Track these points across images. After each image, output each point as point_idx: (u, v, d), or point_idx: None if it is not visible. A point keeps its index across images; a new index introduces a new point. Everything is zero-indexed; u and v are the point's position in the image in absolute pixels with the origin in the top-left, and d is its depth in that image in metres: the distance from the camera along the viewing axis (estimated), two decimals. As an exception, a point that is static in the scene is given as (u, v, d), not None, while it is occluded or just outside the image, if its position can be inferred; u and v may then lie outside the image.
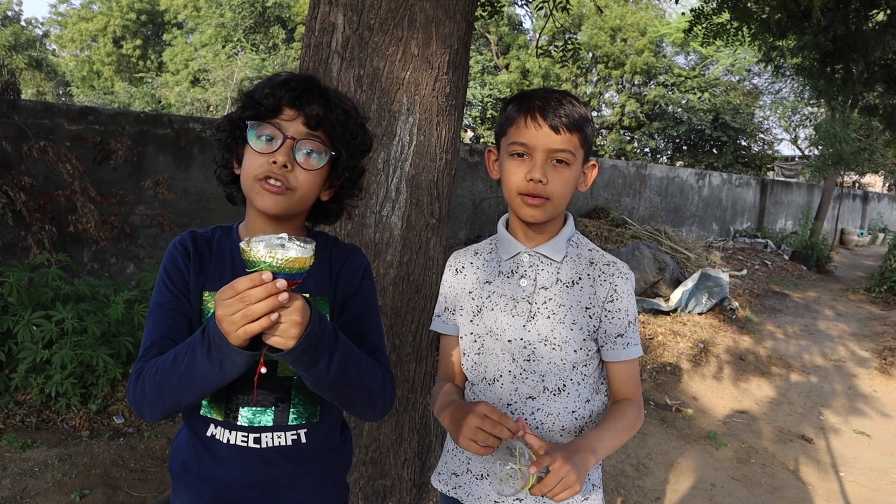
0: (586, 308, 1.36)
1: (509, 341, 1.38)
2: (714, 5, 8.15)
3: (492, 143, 1.40)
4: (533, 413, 1.38)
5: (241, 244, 0.96)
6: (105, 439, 3.51)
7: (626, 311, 1.37)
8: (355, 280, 1.34)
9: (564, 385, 1.38)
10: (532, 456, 1.15)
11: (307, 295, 1.26)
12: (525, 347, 1.37)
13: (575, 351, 1.36)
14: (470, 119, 21.09)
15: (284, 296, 0.95)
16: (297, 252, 0.94)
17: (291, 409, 1.27)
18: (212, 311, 1.21)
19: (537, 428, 1.38)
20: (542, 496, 1.15)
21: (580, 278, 1.38)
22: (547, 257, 1.38)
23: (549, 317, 1.36)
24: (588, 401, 1.42)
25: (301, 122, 1.19)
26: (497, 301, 1.40)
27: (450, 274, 1.51)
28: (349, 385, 1.16)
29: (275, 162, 1.16)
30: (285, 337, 0.99)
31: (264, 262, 0.93)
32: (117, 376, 3.80)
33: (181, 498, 1.31)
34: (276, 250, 0.94)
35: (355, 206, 1.42)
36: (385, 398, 1.27)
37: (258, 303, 0.94)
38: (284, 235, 0.96)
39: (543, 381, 1.37)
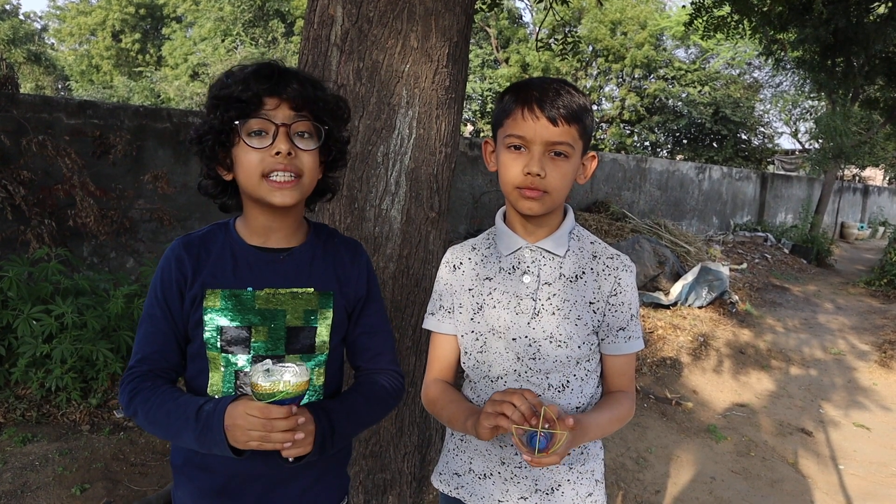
0: (590, 303, 1.34)
1: (514, 339, 1.34)
2: (715, -2, 8.14)
3: (489, 134, 1.38)
4: None
5: (252, 380, 1.05)
6: (105, 433, 3.51)
7: (629, 304, 1.35)
8: (362, 282, 1.37)
9: (568, 381, 1.36)
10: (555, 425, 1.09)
11: (311, 289, 1.29)
12: (530, 345, 1.33)
13: (579, 346, 1.33)
14: (470, 113, 21.06)
15: (302, 419, 1.11)
16: (298, 376, 1.06)
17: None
18: (213, 308, 1.23)
19: None
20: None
21: (583, 272, 1.35)
22: (549, 252, 1.35)
23: (553, 313, 1.33)
24: (592, 396, 1.40)
25: (287, 107, 1.18)
26: (499, 298, 1.36)
27: (446, 270, 1.46)
28: (370, 424, 1.38)
29: (278, 152, 1.16)
30: (301, 448, 1.13)
31: (281, 392, 1.05)
32: (117, 371, 3.80)
33: (183, 490, 1.31)
34: (280, 377, 1.05)
35: (341, 180, 1.44)
36: (395, 401, 1.40)
37: (280, 432, 1.07)
38: (268, 361, 1.08)
39: (548, 378, 1.35)
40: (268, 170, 1.17)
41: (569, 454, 1.37)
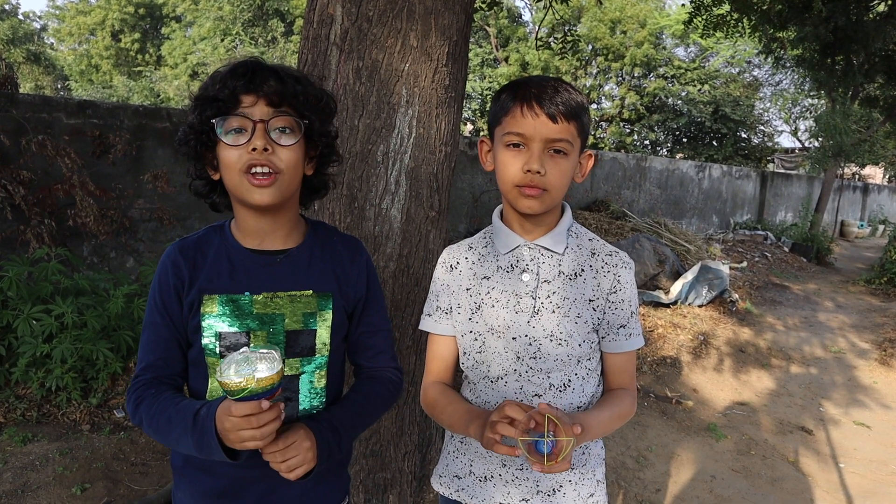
0: (590, 300, 1.33)
1: (513, 339, 1.33)
2: (714, -4, 8.13)
3: (485, 133, 1.37)
4: None
5: (221, 378, 1.02)
6: (106, 433, 3.51)
7: (629, 301, 1.35)
8: (362, 281, 1.36)
9: (570, 380, 1.35)
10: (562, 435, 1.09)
11: (310, 291, 1.28)
12: (531, 345, 1.32)
13: (579, 345, 1.32)
14: (469, 112, 21.05)
15: (279, 406, 1.08)
16: (268, 370, 1.02)
17: (300, 404, 1.28)
18: (211, 314, 1.22)
19: None
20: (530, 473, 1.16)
21: (582, 270, 1.34)
22: (548, 249, 1.34)
23: (553, 311, 1.31)
24: (593, 395, 1.39)
25: (264, 104, 1.17)
26: (498, 297, 1.35)
27: (443, 270, 1.45)
28: (372, 423, 1.38)
29: (254, 149, 1.14)
30: (305, 464, 1.14)
31: (247, 389, 1.02)
32: (118, 370, 3.80)
33: (183, 492, 1.31)
34: (252, 370, 1.01)
35: (336, 176, 1.42)
36: (395, 398, 1.40)
37: (266, 425, 1.05)
38: (245, 349, 1.05)
39: (549, 377, 1.34)
40: (245, 166, 1.15)
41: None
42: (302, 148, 1.23)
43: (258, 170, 1.16)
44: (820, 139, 14.25)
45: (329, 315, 1.29)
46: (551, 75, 1.31)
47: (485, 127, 21.08)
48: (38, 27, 30.05)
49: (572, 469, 1.38)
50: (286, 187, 1.20)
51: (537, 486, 1.37)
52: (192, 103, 1.20)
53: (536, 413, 1.10)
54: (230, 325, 1.22)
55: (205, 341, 1.23)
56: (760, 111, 22.91)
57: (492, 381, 1.37)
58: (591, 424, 1.21)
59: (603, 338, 1.37)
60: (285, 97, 1.18)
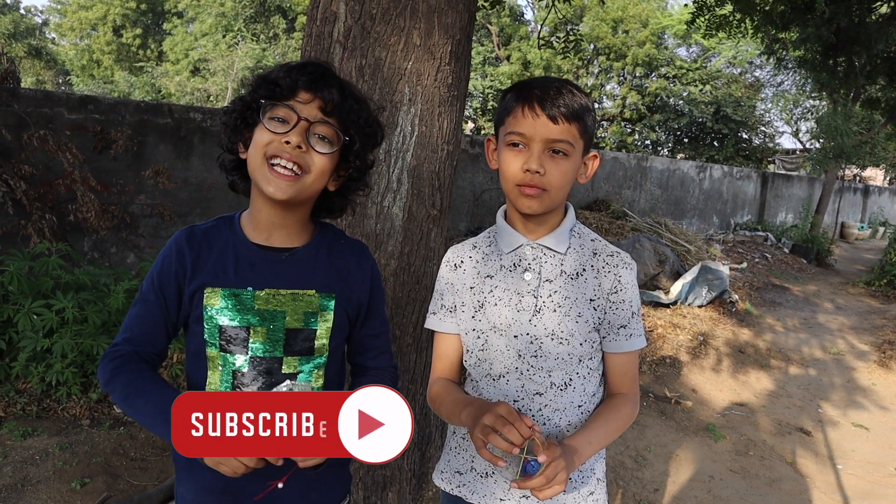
0: (591, 300, 1.34)
1: (515, 337, 1.34)
2: (717, -3, 8.13)
3: (492, 132, 1.39)
4: (540, 409, 1.35)
5: None
6: (105, 428, 3.52)
7: (630, 301, 1.35)
8: (365, 287, 1.36)
9: (571, 379, 1.36)
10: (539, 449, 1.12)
11: (313, 291, 1.28)
12: (532, 343, 1.33)
13: (581, 344, 1.33)
14: (471, 110, 21.04)
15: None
16: None
17: None
18: (213, 307, 1.23)
19: (544, 424, 1.35)
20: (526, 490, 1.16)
21: (584, 270, 1.35)
22: (550, 249, 1.35)
23: (554, 310, 1.32)
24: (594, 395, 1.40)
25: (316, 106, 1.18)
26: (500, 296, 1.36)
27: (447, 269, 1.46)
28: None
29: (287, 142, 1.16)
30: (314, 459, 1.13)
31: None
32: (118, 365, 3.80)
33: (185, 487, 1.31)
34: None
35: (358, 202, 1.42)
36: None
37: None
38: (289, 382, 1.10)
39: (550, 376, 1.34)
40: (271, 153, 1.16)
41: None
42: (334, 161, 1.24)
43: (282, 163, 1.16)
44: (821, 140, 14.25)
45: (330, 316, 1.29)
46: (557, 76, 1.31)
47: (486, 125, 21.13)
48: (40, 22, 30.04)
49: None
50: (305, 189, 1.21)
51: None
52: (253, 80, 1.22)
53: (524, 428, 1.11)
54: (231, 320, 1.23)
55: (206, 334, 1.24)
56: (762, 112, 22.91)
57: (494, 379, 1.38)
58: (584, 445, 1.24)
59: (604, 338, 1.37)
60: (338, 109, 1.20)
